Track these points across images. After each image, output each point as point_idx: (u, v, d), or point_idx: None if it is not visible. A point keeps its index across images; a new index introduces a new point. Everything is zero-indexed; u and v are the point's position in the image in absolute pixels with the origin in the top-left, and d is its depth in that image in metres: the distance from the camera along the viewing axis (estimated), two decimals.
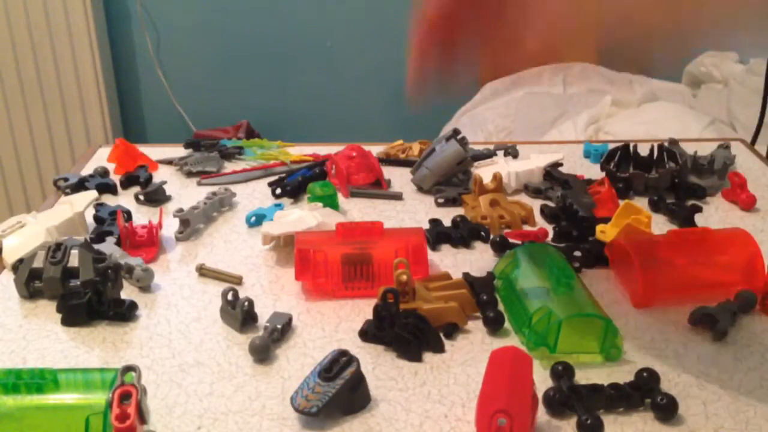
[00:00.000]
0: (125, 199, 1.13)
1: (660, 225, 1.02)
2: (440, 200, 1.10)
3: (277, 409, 0.70)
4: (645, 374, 0.71)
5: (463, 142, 1.14)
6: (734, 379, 0.74)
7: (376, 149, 1.24)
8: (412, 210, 1.09)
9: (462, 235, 0.98)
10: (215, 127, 2.55)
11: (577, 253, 0.93)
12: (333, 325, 0.83)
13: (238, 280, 0.91)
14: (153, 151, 1.25)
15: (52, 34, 2.38)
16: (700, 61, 2.08)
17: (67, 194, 1.11)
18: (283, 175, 1.18)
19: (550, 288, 0.82)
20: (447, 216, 1.07)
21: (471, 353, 0.78)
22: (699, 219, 1.04)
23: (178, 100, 2.61)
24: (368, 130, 2.63)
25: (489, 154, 1.24)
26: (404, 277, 0.81)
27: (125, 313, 0.83)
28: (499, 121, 2.04)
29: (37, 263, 0.88)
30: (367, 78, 2.64)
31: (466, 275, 0.89)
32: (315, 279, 0.87)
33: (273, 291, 0.89)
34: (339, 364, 0.70)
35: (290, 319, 0.82)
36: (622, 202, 1.00)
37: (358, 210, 1.09)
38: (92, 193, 1.06)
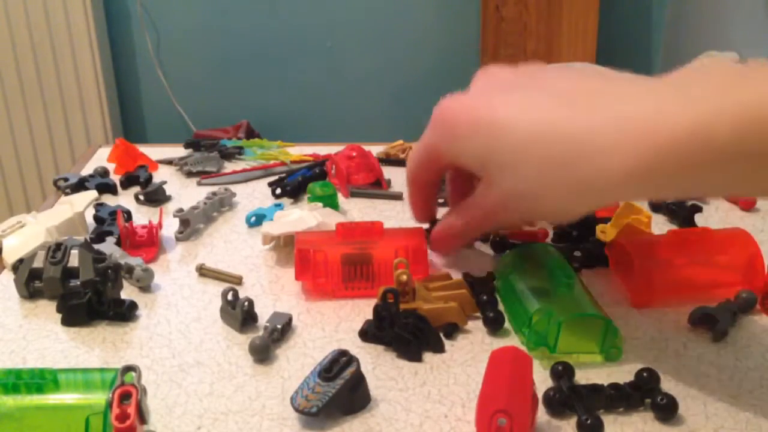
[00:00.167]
0: (125, 199, 1.13)
1: (660, 225, 1.02)
2: (440, 200, 1.10)
3: (277, 409, 0.70)
4: (645, 374, 0.71)
5: None
6: (734, 379, 0.74)
7: (376, 149, 1.24)
8: None
9: None
10: (215, 127, 2.55)
11: (577, 253, 0.93)
12: (333, 325, 0.83)
13: (238, 280, 0.91)
14: (153, 151, 1.25)
15: (52, 34, 2.38)
16: (700, 61, 2.08)
17: (67, 194, 1.11)
18: (283, 175, 1.18)
19: (550, 288, 0.82)
20: None
21: (471, 353, 0.78)
22: (699, 219, 1.04)
23: (178, 100, 2.61)
24: (368, 130, 2.63)
25: None
26: (404, 277, 0.81)
27: (125, 313, 0.83)
28: None
29: (37, 263, 0.88)
30: (367, 78, 2.64)
31: (466, 275, 0.90)
32: (315, 279, 0.87)
33: (273, 291, 0.89)
34: (339, 364, 0.70)
35: (290, 319, 0.82)
36: (622, 202, 1.00)
37: (358, 210, 1.09)
38: (92, 193, 1.06)
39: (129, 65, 2.55)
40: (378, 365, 0.76)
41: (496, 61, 2.47)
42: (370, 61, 2.58)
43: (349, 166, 1.15)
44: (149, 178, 1.16)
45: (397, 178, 1.18)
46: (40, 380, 0.64)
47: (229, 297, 0.82)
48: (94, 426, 0.62)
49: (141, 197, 1.12)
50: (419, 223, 0.94)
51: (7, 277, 0.91)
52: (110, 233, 0.99)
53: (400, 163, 1.23)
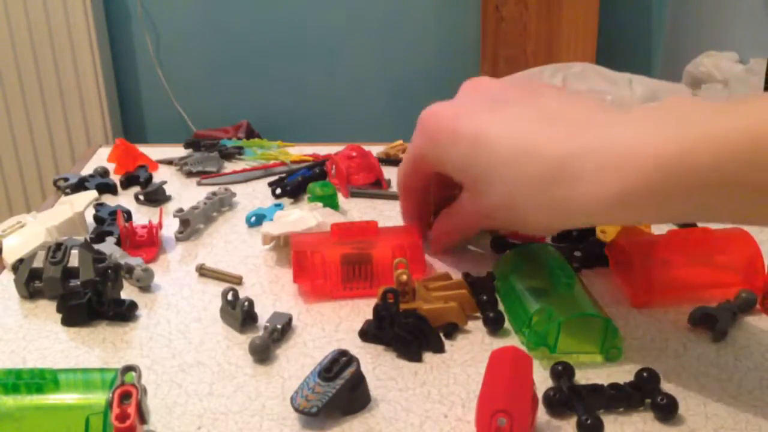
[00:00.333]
0: (125, 199, 1.13)
1: (660, 225, 1.02)
2: None
3: (277, 409, 0.70)
4: (645, 374, 0.71)
5: None
6: (734, 379, 0.74)
7: (376, 149, 1.24)
8: None
9: None
10: (215, 127, 2.55)
11: (577, 253, 0.93)
12: (333, 325, 0.83)
13: (238, 280, 0.91)
14: (153, 151, 1.25)
15: (52, 34, 2.38)
16: (700, 61, 2.08)
17: (67, 194, 1.11)
18: (283, 175, 1.18)
19: (550, 288, 0.82)
20: None
21: (471, 353, 0.78)
22: None
23: (178, 100, 2.61)
24: (368, 130, 2.63)
25: None
26: (404, 277, 0.81)
27: (125, 313, 0.83)
28: None
29: (37, 263, 0.88)
30: (367, 78, 2.64)
31: (466, 275, 0.90)
32: (313, 281, 0.87)
33: (273, 291, 0.89)
34: (339, 364, 0.70)
35: (290, 319, 0.82)
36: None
37: (358, 210, 1.09)
38: (92, 193, 1.06)
39: (129, 65, 2.55)
40: (378, 365, 0.76)
41: (495, 60, 2.47)
42: (369, 61, 2.57)
43: (349, 166, 1.15)
44: (149, 178, 1.16)
45: (396, 178, 1.18)
46: (40, 380, 0.64)
47: (229, 297, 0.82)
48: (94, 426, 0.62)
49: (141, 197, 1.12)
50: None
51: (7, 277, 0.91)
52: (110, 233, 0.99)
53: (399, 163, 1.23)
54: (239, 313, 0.81)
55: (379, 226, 0.91)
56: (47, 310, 0.86)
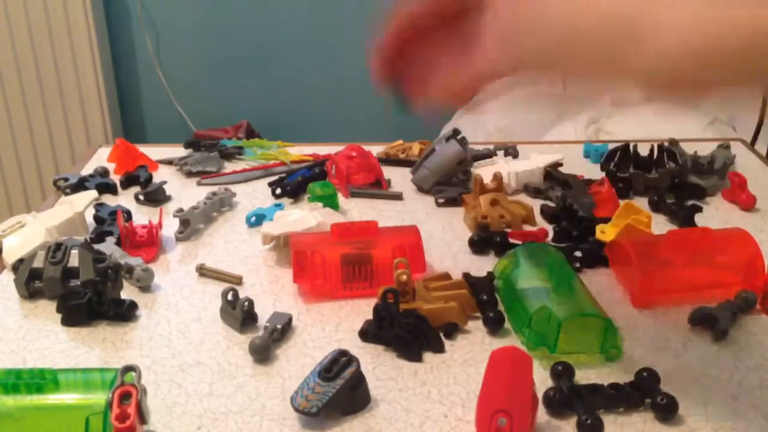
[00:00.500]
0: (125, 199, 1.13)
1: (660, 225, 1.02)
2: (440, 200, 1.10)
3: (277, 409, 0.70)
4: (645, 374, 0.71)
5: (463, 142, 1.14)
6: (734, 379, 0.74)
7: (376, 149, 1.24)
8: (412, 210, 1.09)
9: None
10: (215, 127, 2.54)
11: (577, 253, 0.93)
12: (333, 325, 0.83)
13: (238, 280, 0.91)
14: (153, 151, 1.25)
15: (52, 34, 2.38)
16: None
17: (67, 194, 1.11)
18: (283, 175, 1.18)
19: (550, 288, 0.82)
20: (447, 216, 1.07)
21: (471, 353, 0.78)
22: (699, 219, 1.04)
23: (178, 100, 2.61)
24: (368, 130, 2.63)
25: (489, 154, 1.24)
26: (404, 277, 0.81)
27: (125, 313, 0.83)
28: (499, 121, 2.04)
29: (37, 263, 0.88)
30: (367, 78, 2.64)
31: (466, 275, 0.90)
32: (313, 281, 0.87)
33: (273, 291, 0.89)
34: (339, 364, 0.70)
35: (290, 319, 0.82)
36: (622, 202, 1.00)
37: (358, 210, 1.09)
38: (92, 193, 1.06)
39: (129, 65, 2.55)
40: (378, 365, 0.76)
41: None
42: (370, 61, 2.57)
43: (349, 166, 1.15)
44: (149, 178, 1.16)
45: (397, 178, 1.18)
46: (40, 380, 0.64)
47: (229, 297, 0.82)
48: (94, 426, 0.62)
49: (141, 197, 1.12)
50: (379, 79, 0.77)
51: (7, 277, 0.91)
52: (110, 233, 0.99)
53: (400, 163, 1.23)
54: (239, 313, 0.81)
55: (379, 226, 0.91)
56: (47, 310, 0.86)
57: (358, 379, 0.70)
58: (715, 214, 1.07)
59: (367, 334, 0.80)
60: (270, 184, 1.15)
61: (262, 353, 0.76)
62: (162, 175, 1.20)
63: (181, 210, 1.02)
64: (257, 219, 1.04)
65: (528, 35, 0.70)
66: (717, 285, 0.86)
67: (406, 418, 0.69)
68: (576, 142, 1.43)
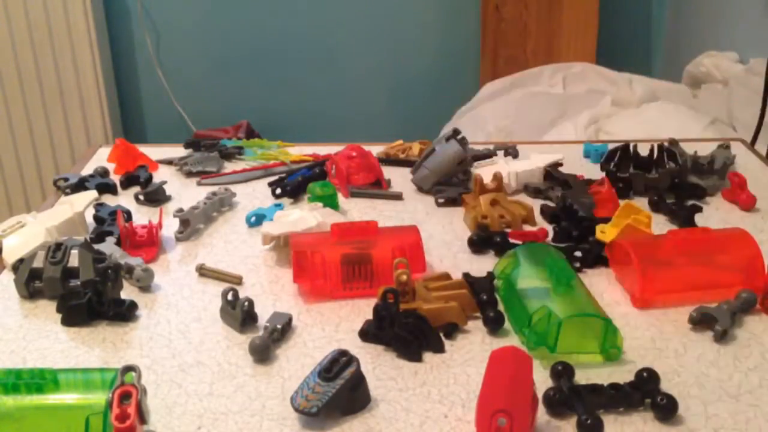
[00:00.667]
0: (125, 199, 1.13)
1: (660, 225, 1.02)
2: (440, 200, 1.10)
3: (277, 409, 0.70)
4: (645, 374, 0.71)
5: (463, 142, 1.15)
6: (734, 379, 0.74)
7: (376, 149, 1.24)
8: (412, 210, 1.09)
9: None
10: (215, 127, 2.54)
11: (577, 253, 0.93)
12: (333, 325, 0.83)
13: (238, 280, 0.91)
14: (153, 151, 1.25)
15: (52, 34, 2.38)
16: (699, 61, 2.07)
17: (67, 194, 1.11)
18: (283, 175, 1.18)
19: (550, 288, 0.82)
20: (447, 216, 1.07)
21: (471, 353, 0.78)
22: (699, 219, 1.04)
23: (178, 100, 2.61)
24: (368, 130, 2.63)
25: (489, 154, 1.24)
26: (404, 277, 0.81)
27: (125, 313, 0.83)
28: (499, 121, 2.04)
29: (37, 263, 0.88)
30: (367, 78, 2.64)
31: (466, 275, 0.90)
32: (313, 281, 0.87)
33: (273, 291, 0.89)
34: (339, 364, 0.70)
35: (290, 319, 0.82)
36: (622, 202, 1.00)
37: (358, 210, 1.09)
38: (92, 193, 1.06)
39: (129, 65, 2.55)
40: (378, 365, 0.76)
41: (495, 60, 2.47)
42: (369, 61, 2.57)
43: (349, 166, 1.15)
44: (149, 178, 1.16)
45: (397, 178, 1.18)
46: (40, 380, 0.64)
47: (229, 297, 0.82)
48: (94, 426, 0.62)
49: (141, 197, 1.12)
50: None
51: (7, 277, 0.91)
52: (110, 233, 0.99)
53: (400, 163, 1.23)
54: (239, 313, 0.81)
55: (379, 226, 0.91)
56: (47, 310, 0.86)
57: (358, 379, 0.70)
58: (715, 214, 1.07)
59: (367, 334, 0.80)
60: (270, 184, 1.15)
61: (262, 353, 0.76)
62: (162, 175, 1.20)
63: (181, 210, 1.02)
64: (257, 219, 1.04)
65: None
66: (717, 285, 0.86)
67: (406, 418, 0.69)
68: (576, 142, 1.43)
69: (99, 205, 1.06)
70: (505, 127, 2.01)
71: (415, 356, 0.77)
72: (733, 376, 0.74)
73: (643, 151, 1.15)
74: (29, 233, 0.96)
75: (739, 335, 0.81)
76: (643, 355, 0.77)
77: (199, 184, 1.18)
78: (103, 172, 1.18)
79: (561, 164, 1.18)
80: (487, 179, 1.08)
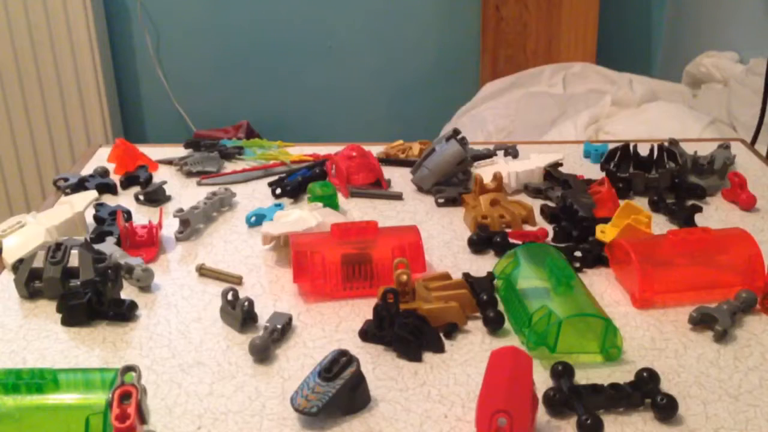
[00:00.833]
0: (125, 199, 1.13)
1: (660, 225, 1.02)
2: (440, 200, 1.10)
3: (277, 409, 0.70)
4: (645, 374, 0.71)
5: (463, 142, 1.14)
6: (734, 379, 0.74)
7: (376, 149, 1.24)
8: (412, 210, 1.09)
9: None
10: (215, 127, 2.55)
11: (577, 253, 0.93)
12: (333, 325, 0.83)
13: (238, 280, 0.91)
14: (153, 151, 1.25)
15: (52, 34, 2.38)
16: (699, 61, 2.08)
17: (67, 194, 1.11)
18: (283, 175, 1.18)
19: (550, 288, 0.82)
20: (447, 216, 1.07)
21: (471, 353, 0.78)
22: (699, 219, 1.04)
23: (178, 100, 2.61)
24: (368, 130, 2.63)
25: (489, 154, 1.24)
26: (404, 277, 0.81)
27: (125, 313, 0.83)
28: (499, 121, 2.04)
29: (37, 263, 0.88)
30: (367, 78, 2.64)
31: (466, 275, 0.90)
32: (313, 281, 0.87)
33: (273, 291, 0.89)
34: (339, 364, 0.70)
35: (290, 319, 0.82)
36: (622, 202, 1.00)
37: (358, 210, 1.09)
38: (92, 193, 1.06)
39: (129, 65, 2.55)
40: (378, 365, 0.76)
41: (495, 60, 2.47)
42: (370, 61, 2.57)
43: (349, 166, 1.15)
44: (149, 178, 1.16)
45: (397, 178, 1.18)
46: (40, 380, 0.64)
47: (229, 297, 0.82)
48: (94, 426, 0.62)
49: (141, 197, 1.12)
50: None
51: (7, 277, 0.91)
52: (110, 233, 0.99)
53: (400, 163, 1.23)
54: (239, 313, 0.81)
55: (379, 226, 0.91)
56: (47, 310, 0.86)
57: (358, 379, 0.70)
58: (715, 214, 1.07)
59: (367, 334, 0.80)
60: (270, 184, 1.15)
61: (262, 353, 0.76)
62: (162, 175, 1.20)
63: (181, 210, 1.02)
64: (257, 219, 1.04)
65: None
66: (717, 285, 0.86)
67: (406, 418, 0.69)
68: (576, 142, 1.43)
69: (99, 205, 1.06)
70: (505, 127, 2.01)
71: (415, 356, 0.77)
72: (733, 376, 0.74)
73: (643, 151, 1.15)
74: (29, 233, 0.96)
75: (739, 335, 0.81)
76: (643, 355, 0.77)
77: (199, 184, 1.18)
78: (103, 172, 1.18)
79: (561, 164, 1.18)
80: (487, 179, 1.08)
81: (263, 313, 0.83)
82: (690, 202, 1.07)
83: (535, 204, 1.08)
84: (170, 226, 1.02)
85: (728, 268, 0.88)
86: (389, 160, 1.24)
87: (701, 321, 0.81)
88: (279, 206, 1.08)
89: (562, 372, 0.72)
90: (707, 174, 1.13)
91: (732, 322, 0.81)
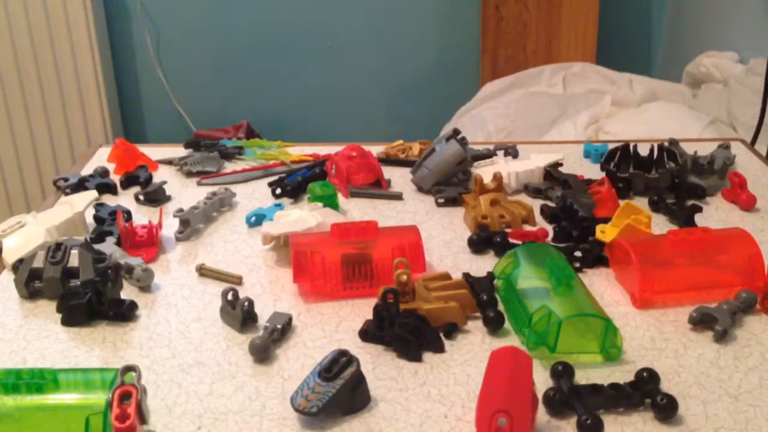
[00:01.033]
0: (125, 199, 1.13)
1: (660, 225, 1.02)
2: (440, 200, 1.10)
3: (277, 409, 0.70)
4: (645, 374, 0.71)
5: (463, 142, 1.14)
6: (734, 379, 0.74)
7: (376, 149, 1.24)
8: (412, 210, 1.09)
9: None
10: (215, 127, 2.55)
11: (577, 253, 0.93)
12: (333, 325, 0.83)
13: (238, 280, 0.91)
14: (153, 151, 1.25)
15: (52, 34, 2.38)
16: (699, 61, 2.07)
17: (67, 194, 1.11)
18: (283, 175, 1.18)
19: (550, 288, 0.82)
20: (447, 216, 1.07)
21: (471, 353, 0.78)
22: (699, 219, 1.04)
23: (178, 100, 2.61)
24: (368, 130, 2.63)
25: (489, 154, 1.24)
26: (404, 277, 0.81)
27: (125, 313, 0.83)
28: (499, 121, 2.04)
29: (37, 263, 0.88)
30: (367, 78, 2.64)
31: (466, 275, 0.90)
32: (313, 281, 0.87)
33: (273, 291, 0.89)
34: (339, 364, 0.70)
35: (290, 319, 0.82)
36: (622, 202, 1.00)
37: (358, 210, 1.09)
38: (92, 193, 1.06)
39: (129, 65, 2.55)
40: (378, 365, 0.76)
41: (495, 60, 2.47)
42: (370, 61, 2.57)
43: (349, 166, 1.15)
44: (149, 178, 1.16)
45: (397, 178, 1.18)
46: (40, 380, 0.64)
47: (229, 297, 0.82)
48: (94, 426, 0.62)
49: (141, 197, 1.12)
50: None
51: (7, 277, 0.91)
52: (110, 233, 0.99)
53: (400, 163, 1.23)
54: (239, 313, 0.81)
55: (379, 226, 0.91)
56: (47, 310, 0.86)
57: (358, 379, 0.70)
58: (715, 214, 1.07)
59: (367, 334, 0.80)
60: (270, 184, 1.15)
61: (262, 353, 0.76)
62: (162, 175, 1.20)
63: (181, 210, 1.02)
64: (257, 219, 1.04)
65: None
66: (717, 285, 0.86)
67: (406, 418, 0.69)
68: (576, 142, 1.43)
69: (99, 205, 1.06)
70: (505, 127, 2.01)
71: (415, 356, 0.77)
72: (733, 376, 0.74)
73: (643, 151, 1.15)
74: (29, 233, 0.96)
75: (739, 335, 0.81)
76: (643, 355, 0.77)
77: (199, 184, 1.18)
78: (103, 172, 1.18)
79: (561, 164, 1.18)
80: (487, 179, 1.08)
81: (263, 313, 0.83)
82: (690, 202, 1.07)
83: (535, 204, 1.08)
84: (170, 226, 1.02)
85: (728, 268, 0.88)
86: (389, 160, 1.24)
87: (701, 321, 0.81)
88: (279, 206, 1.08)
89: (562, 372, 0.72)
90: (707, 174, 1.13)
91: (732, 322, 0.81)
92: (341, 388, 0.68)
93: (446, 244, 0.99)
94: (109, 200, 1.12)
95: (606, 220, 0.99)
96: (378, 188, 1.14)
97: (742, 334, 0.81)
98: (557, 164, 1.17)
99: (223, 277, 0.91)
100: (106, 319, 0.83)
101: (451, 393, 0.72)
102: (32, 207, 2.43)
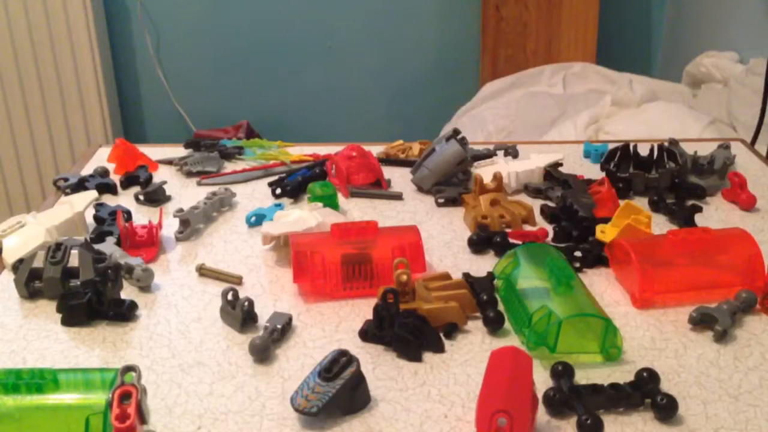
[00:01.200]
0: (125, 199, 1.13)
1: (660, 225, 1.02)
2: (440, 200, 1.10)
3: (277, 409, 0.70)
4: (645, 374, 0.71)
5: (463, 142, 1.14)
6: (734, 379, 0.74)
7: (376, 149, 1.24)
8: (412, 210, 1.09)
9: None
10: (215, 127, 2.55)
11: (577, 253, 0.93)
12: (333, 325, 0.83)
13: (238, 280, 0.91)
14: (153, 151, 1.25)
15: (52, 34, 2.38)
16: (699, 61, 2.07)
17: (67, 194, 1.11)
18: (283, 175, 1.18)
19: (550, 288, 0.82)
20: (447, 216, 1.07)
21: (471, 353, 0.78)
22: (699, 219, 1.04)
23: (178, 100, 2.61)
24: (368, 130, 2.63)
25: (489, 154, 1.24)
26: (404, 277, 0.81)
27: (125, 313, 0.83)
28: (499, 121, 2.04)
29: (37, 263, 0.88)
30: (367, 78, 2.64)
31: (466, 275, 0.90)
32: (313, 281, 0.87)
33: (273, 291, 0.89)
34: (339, 364, 0.70)
35: (290, 319, 0.82)
36: (622, 202, 1.00)
37: (358, 210, 1.09)
38: (92, 193, 1.06)
39: (129, 65, 2.55)
40: (378, 365, 0.76)
41: (495, 60, 2.47)
42: (370, 61, 2.57)
43: (349, 166, 1.15)
44: (149, 178, 1.16)
45: (397, 178, 1.18)
46: (40, 380, 0.64)
47: (229, 297, 0.82)
48: (94, 426, 0.62)
49: (141, 197, 1.12)
50: None
51: (7, 277, 0.91)
52: (110, 233, 0.99)
53: (400, 163, 1.23)
54: (239, 313, 0.81)
55: (379, 226, 0.91)
56: (47, 310, 0.86)
57: (358, 379, 0.70)
58: (715, 214, 1.07)
59: (367, 334, 0.80)
60: (270, 184, 1.15)
61: (262, 353, 0.76)
62: (162, 175, 1.20)
63: (181, 210, 1.02)
64: (257, 219, 1.04)
65: None
66: (717, 285, 0.86)
67: (406, 418, 0.69)
68: (576, 142, 1.43)
69: (99, 205, 1.06)
70: (505, 127, 2.01)
71: (415, 356, 0.77)
72: (733, 376, 0.74)
73: (643, 151, 1.15)
74: (29, 233, 0.96)
75: (739, 335, 0.81)
76: (643, 355, 0.77)
77: (199, 184, 1.18)
78: (103, 172, 1.18)
79: (561, 164, 1.18)
80: (487, 179, 1.08)
81: (263, 313, 0.83)
82: (690, 202, 1.07)
83: (535, 204, 1.08)
84: (170, 226, 1.02)
85: (728, 268, 0.88)
86: (389, 160, 1.24)
87: (701, 321, 0.81)
88: (279, 206, 1.08)
89: (562, 372, 0.72)
90: (707, 174, 1.13)
91: (732, 322, 0.81)
92: (341, 388, 0.68)
93: (446, 244, 0.99)
94: (109, 200, 1.12)
95: (606, 220, 0.99)
96: (378, 188, 1.14)
97: (742, 334, 0.81)
98: (557, 164, 1.17)
99: (223, 277, 0.91)
100: (106, 319, 0.83)
101: (451, 393, 0.72)
102: (32, 207, 2.43)
